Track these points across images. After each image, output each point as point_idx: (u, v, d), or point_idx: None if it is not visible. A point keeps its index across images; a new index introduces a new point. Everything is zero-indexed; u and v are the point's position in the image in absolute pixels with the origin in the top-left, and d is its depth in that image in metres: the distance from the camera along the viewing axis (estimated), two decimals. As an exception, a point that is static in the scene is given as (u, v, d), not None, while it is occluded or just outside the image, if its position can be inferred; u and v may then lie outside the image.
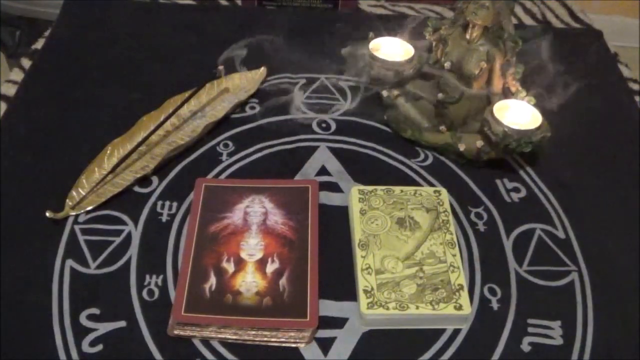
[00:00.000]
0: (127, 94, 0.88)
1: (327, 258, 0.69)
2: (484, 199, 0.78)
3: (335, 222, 0.74)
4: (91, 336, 0.62)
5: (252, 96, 0.89)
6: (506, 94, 0.80)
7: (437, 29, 0.80)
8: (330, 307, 0.66)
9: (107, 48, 0.95)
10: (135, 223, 0.72)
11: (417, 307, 0.64)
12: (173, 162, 0.79)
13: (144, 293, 0.66)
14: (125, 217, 0.73)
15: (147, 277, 0.68)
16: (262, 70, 0.92)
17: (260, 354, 0.62)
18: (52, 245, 0.70)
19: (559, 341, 0.65)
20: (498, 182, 0.80)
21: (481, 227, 0.75)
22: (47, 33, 0.98)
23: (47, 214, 0.71)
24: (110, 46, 0.96)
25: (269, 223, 0.71)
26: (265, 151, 0.82)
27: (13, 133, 0.81)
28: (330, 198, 0.77)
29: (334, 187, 0.78)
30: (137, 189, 0.76)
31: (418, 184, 0.79)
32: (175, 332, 0.63)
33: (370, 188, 0.75)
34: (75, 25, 1.00)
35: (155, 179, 0.78)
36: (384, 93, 0.85)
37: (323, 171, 0.80)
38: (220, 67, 0.86)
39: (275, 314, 0.63)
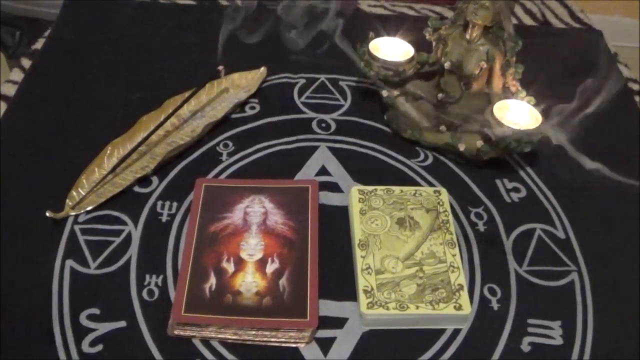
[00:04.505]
0: (127, 94, 0.88)
1: (327, 258, 0.69)
2: (484, 199, 0.78)
3: (335, 222, 0.74)
4: (91, 336, 0.62)
5: (252, 96, 0.89)
6: (506, 93, 0.80)
7: (437, 29, 0.80)
8: (330, 307, 0.66)
9: (107, 48, 0.95)
10: (135, 223, 0.72)
11: (417, 307, 0.64)
12: (173, 162, 0.79)
13: (144, 293, 0.66)
14: (125, 217, 0.73)
15: (147, 277, 0.68)
16: (262, 70, 0.92)
17: (260, 354, 0.62)
18: (52, 245, 0.70)
19: (559, 341, 0.65)
20: (498, 182, 0.80)
21: (481, 227, 0.75)
22: (47, 33, 0.98)
23: (47, 214, 0.71)
24: (110, 46, 0.96)
25: (269, 223, 0.71)
26: (265, 151, 0.82)
27: (13, 133, 0.81)
28: (330, 198, 0.77)
29: (333, 187, 0.78)
30: (137, 189, 0.76)
31: (418, 184, 0.79)
32: (175, 332, 0.63)
33: (370, 188, 0.75)
34: (76, 25, 1.00)
35: (155, 179, 0.78)
36: (384, 93, 0.85)
37: (323, 171, 0.80)
38: (221, 67, 0.86)
39: (275, 314, 0.63)
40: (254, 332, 0.63)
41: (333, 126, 0.86)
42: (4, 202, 0.73)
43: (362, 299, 0.65)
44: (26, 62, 0.93)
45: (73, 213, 0.73)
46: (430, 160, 0.83)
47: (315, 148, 0.83)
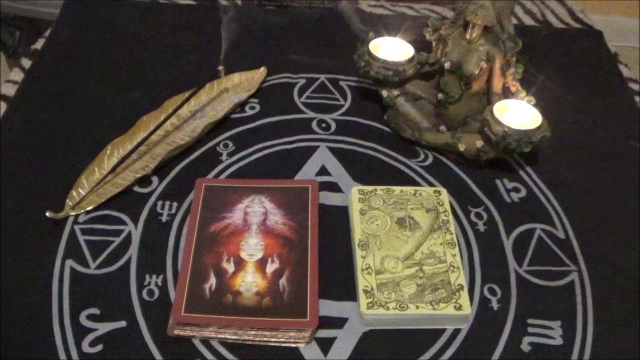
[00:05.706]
0: (127, 94, 0.88)
1: (327, 258, 0.69)
2: (484, 199, 0.78)
3: (335, 222, 0.74)
4: (91, 336, 0.62)
5: (252, 96, 0.89)
6: (506, 94, 0.80)
7: (437, 29, 0.80)
8: (330, 307, 0.66)
9: (107, 48, 0.95)
10: (135, 223, 0.72)
11: (417, 307, 0.64)
12: (173, 162, 0.79)
13: (144, 293, 0.66)
14: (125, 217, 0.73)
15: (147, 277, 0.68)
16: (262, 70, 0.92)
17: (260, 354, 0.62)
18: (52, 245, 0.70)
19: (559, 341, 0.65)
20: (498, 182, 0.80)
21: (481, 227, 0.75)
22: (47, 33, 0.98)
23: (47, 214, 0.71)
24: (110, 46, 0.96)
25: (269, 223, 0.71)
26: (265, 151, 0.82)
27: (13, 133, 0.81)
28: (330, 198, 0.77)
29: (334, 187, 0.78)
30: (137, 189, 0.76)
31: (418, 184, 0.79)
32: (175, 332, 0.63)
33: (370, 188, 0.75)
34: (75, 25, 1.00)
35: (155, 179, 0.78)
36: (384, 93, 0.85)
37: (323, 171, 0.80)
38: (221, 67, 0.86)
39: (275, 314, 0.63)
40: (254, 332, 0.63)
41: (333, 126, 0.86)
42: (4, 202, 0.73)
43: (362, 299, 0.65)
44: (26, 62, 0.93)
45: (73, 213, 0.73)
46: (430, 160, 0.83)
47: (315, 148, 0.83)
